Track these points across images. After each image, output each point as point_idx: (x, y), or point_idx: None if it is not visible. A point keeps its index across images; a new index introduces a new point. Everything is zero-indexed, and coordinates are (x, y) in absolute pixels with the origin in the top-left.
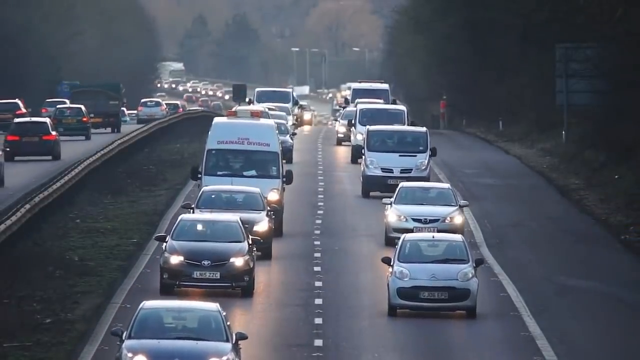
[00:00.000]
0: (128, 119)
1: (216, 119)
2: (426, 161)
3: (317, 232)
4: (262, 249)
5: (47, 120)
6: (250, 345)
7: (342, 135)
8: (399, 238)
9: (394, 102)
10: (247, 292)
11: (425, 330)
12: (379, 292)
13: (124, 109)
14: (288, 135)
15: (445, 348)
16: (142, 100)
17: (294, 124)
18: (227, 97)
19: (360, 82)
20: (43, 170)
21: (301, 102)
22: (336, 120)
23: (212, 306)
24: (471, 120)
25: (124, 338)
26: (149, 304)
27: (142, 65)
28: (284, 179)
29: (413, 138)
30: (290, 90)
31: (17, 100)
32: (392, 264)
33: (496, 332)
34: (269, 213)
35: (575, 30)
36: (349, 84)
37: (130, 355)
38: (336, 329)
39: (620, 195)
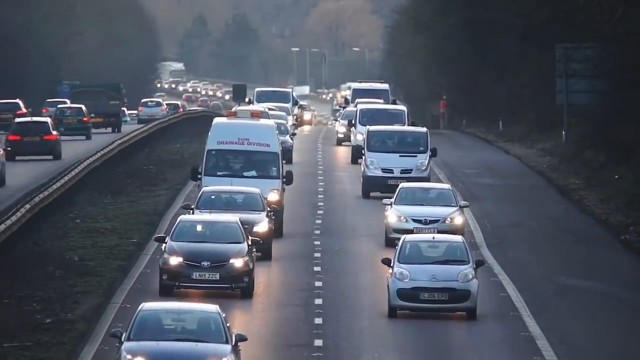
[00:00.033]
0: (128, 119)
1: (216, 119)
2: (426, 162)
3: (317, 232)
4: (262, 249)
5: (48, 120)
6: (250, 345)
7: (342, 136)
8: (399, 239)
9: (394, 102)
10: (246, 293)
11: (425, 330)
12: (378, 292)
13: (124, 109)
14: (288, 136)
15: (445, 348)
16: (143, 100)
17: (294, 124)
18: (227, 97)
19: (360, 82)
20: (44, 170)
21: (301, 102)
22: (336, 120)
23: (212, 308)
24: (471, 120)
25: (123, 340)
26: (148, 305)
27: (142, 65)
28: (284, 180)
29: (413, 138)
30: (290, 90)
31: (17, 100)
32: (392, 265)
33: (496, 332)
34: (269, 214)
35: (575, 30)
36: (349, 84)
37: (129, 357)
38: (336, 329)
39: (620, 195)
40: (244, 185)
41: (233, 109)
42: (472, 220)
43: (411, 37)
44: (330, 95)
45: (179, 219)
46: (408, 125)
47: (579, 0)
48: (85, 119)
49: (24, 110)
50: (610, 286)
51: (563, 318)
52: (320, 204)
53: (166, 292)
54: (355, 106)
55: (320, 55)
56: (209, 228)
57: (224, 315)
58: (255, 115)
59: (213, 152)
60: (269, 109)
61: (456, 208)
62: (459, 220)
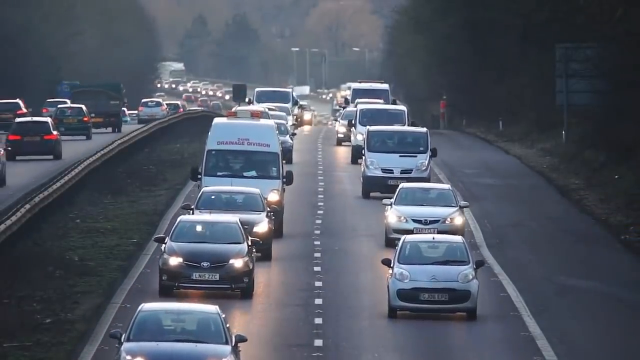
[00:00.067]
0: (129, 119)
1: (216, 120)
2: (426, 162)
3: (317, 232)
4: (262, 250)
5: (49, 119)
6: (250, 345)
7: (342, 136)
8: (399, 239)
9: (394, 102)
10: (246, 293)
11: (425, 330)
12: (378, 293)
13: (125, 109)
14: (288, 136)
15: (445, 347)
16: (143, 101)
17: (293, 124)
18: (227, 97)
19: (360, 82)
20: (44, 169)
21: (301, 102)
22: (336, 120)
23: (212, 308)
24: (471, 120)
25: (122, 340)
26: (147, 306)
27: (142, 65)
28: (284, 180)
29: (413, 138)
30: (290, 90)
31: (17, 100)
32: (392, 265)
33: (496, 332)
34: (269, 214)
35: (575, 30)
36: (349, 84)
37: (129, 357)
38: (336, 329)
39: (620, 195)
40: (244, 186)
41: (233, 109)
42: (472, 220)
43: (411, 37)
44: (330, 95)
45: (178, 220)
46: (408, 125)
47: (579, 0)
48: (85, 118)
49: (24, 110)
50: (610, 286)
51: (563, 318)
52: (320, 204)
53: (166, 293)
54: (355, 106)
55: (320, 55)
56: (208, 228)
57: (223, 315)
58: (255, 115)
59: (213, 152)
60: (269, 109)
61: (456, 208)
62: (459, 220)
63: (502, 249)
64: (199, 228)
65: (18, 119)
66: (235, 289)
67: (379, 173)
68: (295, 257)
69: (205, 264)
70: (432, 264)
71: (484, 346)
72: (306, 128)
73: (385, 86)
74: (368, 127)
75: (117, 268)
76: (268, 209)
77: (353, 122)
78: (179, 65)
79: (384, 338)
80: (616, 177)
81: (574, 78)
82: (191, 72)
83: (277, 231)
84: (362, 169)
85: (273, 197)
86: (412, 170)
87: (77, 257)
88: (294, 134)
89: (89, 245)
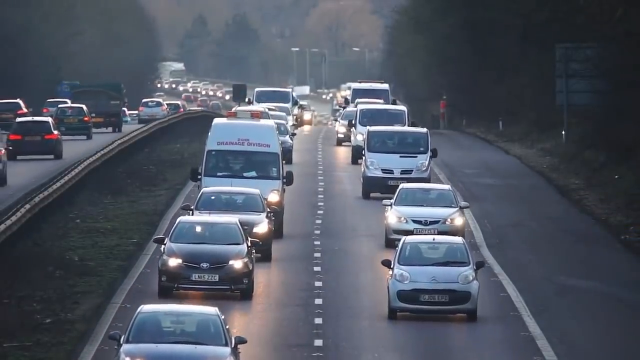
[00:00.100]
0: (129, 119)
1: (216, 120)
2: (427, 162)
3: (317, 232)
4: (262, 250)
5: (49, 119)
6: (250, 345)
7: (342, 136)
8: (399, 240)
9: (394, 102)
10: (246, 294)
11: (425, 330)
12: (378, 293)
13: (125, 109)
14: (288, 136)
15: (445, 347)
16: (144, 101)
17: (293, 124)
18: (227, 97)
19: (360, 82)
20: (45, 169)
21: (301, 102)
22: (336, 120)
23: (211, 310)
24: (471, 120)
25: (121, 342)
26: (147, 307)
27: (142, 65)
28: (284, 180)
29: (414, 139)
30: (290, 90)
31: (18, 100)
32: (392, 266)
33: (496, 332)
34: (269, 215)
35: (575, 30)
36: (349, 84)
37: (128, 359)
38: (336, 329)
39: (620, 195)
40: (244, 186)
41: (233, 109)
42: (472, 220)
43: (411, 37)
44: (330, 95)
45: (178, 220)
46: (408, 125)
47: (579, 0)
48: (86, 118)
49: (25, 110)
50: (610, 286)
51: (563, 318)
52: (320, 204)
53: (165, 294)
54: (355, 106)
55: (320, 55)
56: (208, 229)
57: (223, 317)
58: (255, 115)
59: (213, 152)
60: (269, 109)
61: (456, 209)
62: (459, 221)
63: (502, 249)
64: (198, 229)
65: (19, 119)
66: (234, 290)
67: (379, 173)
68: (295, 257)
69: (204, 265)
70: (433, 265)
71: (484, 346)
72: (306, 128)
73: (385, 86)
74: (368, 127)
75: (117, 268)
76: (268, 210)
77: (353, 122)
78: (179, 65)
79: (384, 338)
80: (616, 177)
81: (574, 78)
82: (191, 72)
83: (277, 232)
84: (362, 169)
85: (273, 197)
86: (412, 170)
87: (77, 257)
88: (293, 134)
89: (89, 245)
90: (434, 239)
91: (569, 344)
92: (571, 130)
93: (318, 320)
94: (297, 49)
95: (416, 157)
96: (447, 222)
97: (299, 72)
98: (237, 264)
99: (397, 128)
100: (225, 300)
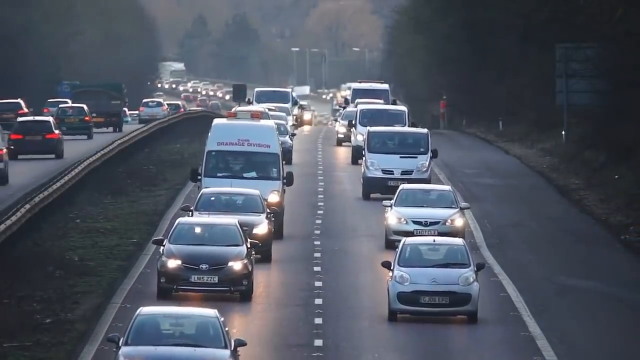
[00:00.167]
0: (130, 119)
1: (216, 120)
2: (427, 163)
3: (317, 232)
4: (262, 251)
5: (51, 119)
6: (250, 345)
7: (342, 136)
8: (399, 241)
9: (394, 102)
10: (245, 296)
11: (425, 330)
12: (378, 293)
13: (126, 109)
14: (287, 136)
15: (445, 347)
16: (144, 101)
17: (293, 125)
18: (227, 97)
19: (360, 82)
20: (46, 169)
21: (301, 102)
22: (336, 120)
23: (210, 312)
24: (471, 120)
25: (120, 345)
26: (145, 310)
27: (142, 65)
28: (285, 181)
29: (414, 139)
30: (290, 90)
31: (19, 100)
32: (392, 268)
33: (496, 332)
34: (269, 215)
35: (575, 30)
36: (349, 84)
37: None
38: (336, 329)
39: (620, 195)
40: (244, 187)
41: (233, 110)
42: (472, 220)
43: (411, 37)
44: (331, 95)
45: (177, 222)
46: (408, 125)
47: (579, 0)
48: (87, 118)
49: (26, 110)
50: (610, 286)
51: (563, 318)
52: (320, 204)
53: (164, 295)
54: (356, 106)
55: (320, 55)
56: (207, 230)
57: (222, 319)
58: (255, 116)
59: (213, 153)
60: (269, 109)
61: (457, 210)
62: (459, 222)
63: (502, 249)
64: (197, 230)
65: (20, 118)
66: (234, 291)
67: (380, 174)
68: (295, 258)
69: (203, 266)
70: (433, 266)
71: (484, 346)
72: (306, 128)
73: (386, 86)
74: (368, 128)
75: (117, 268)
76: (268, 211)
77: (353, 122)
78: (180, 65)
79: (384, 339)
80: (616, 177)
81: (574, 78)
82: (191, 72)
83: (277, 233)
84: (363, 169)
85: (273, 198)
86: (412, 171)
87: (77, 257)
88: (293, 135)
89: (89, 245)
90: (434, 241)
91: (569, 344)
92: (571, 130)
93: (318, 320)
94: (297, 49)
95: (416, 157)
96: (447, 223)
97: (299, 72)
98: (236, 266)
99: (397, 129)
100: (224, 301)
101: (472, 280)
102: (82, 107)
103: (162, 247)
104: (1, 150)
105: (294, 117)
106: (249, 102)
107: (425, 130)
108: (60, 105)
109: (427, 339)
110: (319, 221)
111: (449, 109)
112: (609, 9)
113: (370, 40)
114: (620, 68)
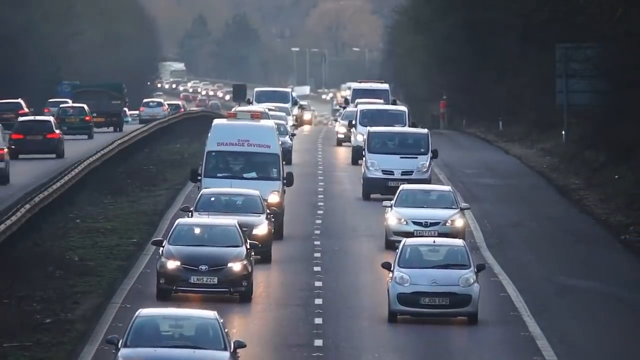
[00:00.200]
0: (130, 119)
1: (216, 121)
2: (427, 163)
3: (317, 232)
4: (262, 252)
5: (51, 118)
6: (250, 345)
7: (342, 136)
8: (399, 241)
9: (394, 103)
10: (245, 297)
11: (425, 330)
12: (378, 293)
13: (126, 109)
14: (287, 136)
15: (445, 347)
16: (145, 101)
17: (293, 125)
18: (227, 97)
19: (360, 82)
20: (46, 168)
21: (301, 102)
22: (336, 120)
23: (210, 314)
24: (471, 120)
25: (119, 346)
26: (145, 311)
27: (143, 65)
28: (285, 181)
29: (414, 140)
30: (289, 90)
31: (19, 100)
32: (392, 269)
33: (496, 332)
34: (269, 216)
35: (575, 30)
36: (349, 84)
37: None
38: (336, 329)
39: (620, 195)
40: (244, 187)
41: (233, 110)
42: (472, 220)
43: (411, 37)
44: (331, 95)
45: (176, 222)
46: (408, 125)
47: (579, 0)
48: (87, 118)
49: (26, 110)
50: (610, 286)
51: (563, 318)
52: (320, 204)
53: (163, 297)
54: (356, 106)
55: (320, 55)
56: (206, 231)
57: (222, 321)
58: (255, 116)
59: (213, 153)
60: (269, 110)
61: (457, 210)
62: (459, 222)
63: (502, 249)
64: (196, 231)
65: (21, 118)
66: (233, 292)
67: (380, 174)
68: (295, 258)
69: (203, 267)
70: (433, 267)
71: (484, 346)
72: (306, 128)
73: (386, 86)
74: (369, 128)
75: (117, 268)
76: (268, 211)
77: (353, 122)
78: (180, 65)
79: (384, 339)
80: (616, 177)
81: (574, 78)
82: (191, 72)
83: (277, 233)
84: (363, 170)
85: (273, 198)
86: (412, 171)
87: (77, 257)
88: (293, 135)
89: (89, 245)
90: (434, 242)
91: (569, 344)
92: (571, 130)
93: (318, 321)
94: (297, 49)
95: (417, 158)
96: (447, 224)
97: (299, 72)
98: (235, 267)
99: (397, 129)
100: (224, 302)
101: (472, 281)
102: (83, 107)
103: (161, 248)
104: (2, 149)
105: (294, 117)
106: (249, 102)
107: (425, 131)
108: (61, 105)
109: (427, 339)
110: (319, 221)
111: (449, 109)
112: (609, 9)
113: (370, 40)
114: (620, 68)
